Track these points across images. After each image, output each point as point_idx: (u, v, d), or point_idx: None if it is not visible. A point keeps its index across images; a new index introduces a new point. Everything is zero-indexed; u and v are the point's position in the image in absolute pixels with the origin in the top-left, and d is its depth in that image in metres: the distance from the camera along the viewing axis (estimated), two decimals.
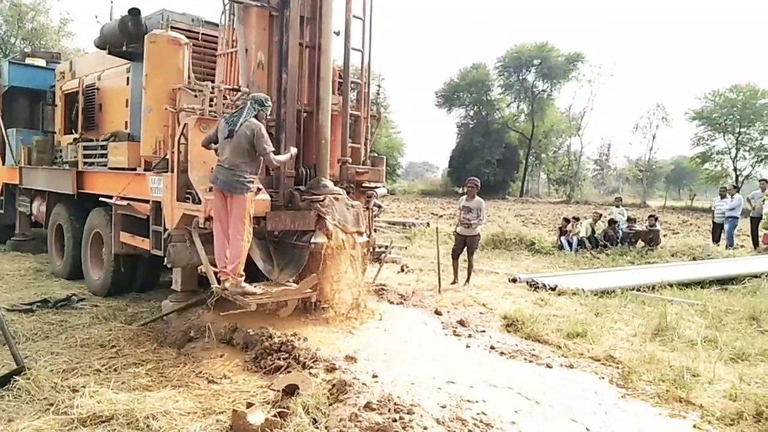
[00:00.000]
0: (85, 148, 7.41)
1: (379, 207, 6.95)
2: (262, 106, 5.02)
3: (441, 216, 22.44)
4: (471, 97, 56.39)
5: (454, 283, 8.26)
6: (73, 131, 8.15)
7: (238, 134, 4.83)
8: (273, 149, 4.99)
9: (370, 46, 6.57)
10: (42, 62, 10.66)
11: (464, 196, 8.49)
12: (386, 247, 8.94)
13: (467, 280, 8.19)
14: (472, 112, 57.55)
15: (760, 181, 15.79)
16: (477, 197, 8.26)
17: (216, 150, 5.09)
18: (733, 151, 42.66)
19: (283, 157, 5.23)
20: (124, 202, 6.26)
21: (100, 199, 6.73)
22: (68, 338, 5.12)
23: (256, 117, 4.96)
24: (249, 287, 5.02)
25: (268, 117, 5.68)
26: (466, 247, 8.32)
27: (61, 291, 7.11)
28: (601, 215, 13.96)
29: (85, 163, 7.37)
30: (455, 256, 8.41)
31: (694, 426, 3.78)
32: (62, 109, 8.68)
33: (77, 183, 7.41)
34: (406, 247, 12.30)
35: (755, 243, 13.45)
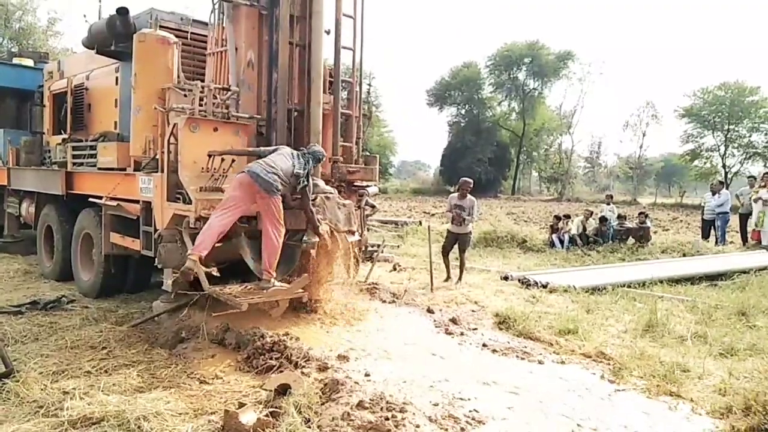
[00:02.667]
0: (74, 148, 7.33)
1: (373, 207, 6.95)
2: (318, 162, 5.45)
3: (433, 214, 22.47)
4: (462, 96, 56.46)
5: (447, 280, 8.29)
6: (62, 131, 8.08)
7: (296, 170, 5.09)
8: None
9: (362, 45, 6.58)
10: (30, 62, 10.59)
11: (455, 194, 8.50)
12: (378, 245, 8.96)
13: (459, 278, 8.23)
14: (463, 111, 57.62)
15: (748, 177, 15.97)
16: (469, 196, 8.30)
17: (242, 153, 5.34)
18: (722, 148, 43.05)
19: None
20: (114, 203, 6.21)
21: (90, 199, 6.67)
22: (58, 340, 5.08)
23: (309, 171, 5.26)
24: (278, 284, 5.15)
25: (259, 116, 5.68)
26: (457, 245, 8.33)
27: (51, 292, 7.05)
28: (592, 213, 14.03)
29: (74, 164, 7.30)
30: (446, 253, 8.47)
31: (686, 419, 3.81)
32: (51, 109, 8.61)
33: (66, 183, 7.35)
34: (398, 246, 12.31)
35: (744, 239, 13.58)
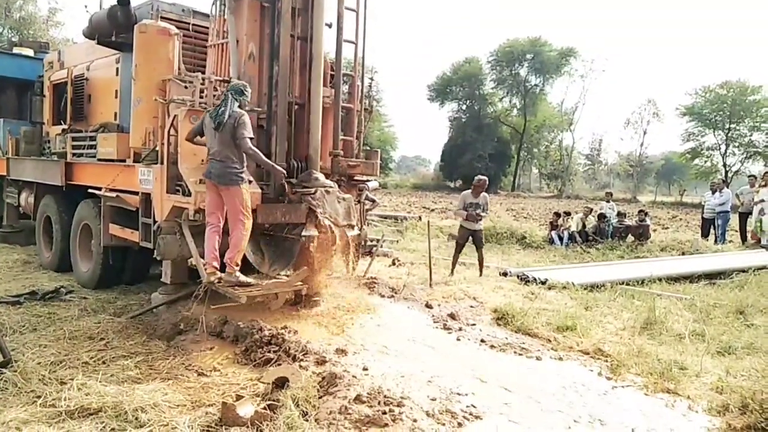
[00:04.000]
0: (73, 139, 7.32)
1: (373, 201, 6.95)
2: (241, 95, 4.99)
3: (433, 210, 22.47)
4: (463, 92, 56.34)
5: (451, 275, 8.40)
6: (62, 122, 8.06)
7: (225, 126, 4.80)
8: (252, 136, 4.96)
9: (364, 38, 6.54)
10: (30, 52, 10.56)
11: (468, 192, 8.57)
12: (378, 240, 8.95)
13: (480, 273, 8.42)
14: (464, 107, 57.54)
15: (749, 176, 15.94)
16: (483, 192, 8.46)
17: (203, 143, 5.07)
18: (723, 147, 43.02)
19: (257, 151, 5.04)
20: (114, 194, 6.21)
21: (89, 190, 6.66)
22: (56, 330, 5.08)
23: (239, 106, 4.94)
24: (243, 277, 5.03)
25: (259, 109, 5.66)
26: (473, 241, 8.49)
27: (50, 283, 7.05)
28: (591, 210, 14.01)
29: (73, 154, 7.29)
30: (459, 249, 8.61)
31: (683, 416, 3.82)
32: (50, 99, 8.59)
33: (66, 174, 7.33)
34: (397, 241, 12.31)
35: (743, 238, 13.58)
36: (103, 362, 4.37)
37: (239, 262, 5.02)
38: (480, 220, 8.41)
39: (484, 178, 8.62)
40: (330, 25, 6.20)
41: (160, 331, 5.13)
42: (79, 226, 7.22)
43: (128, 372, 4.14)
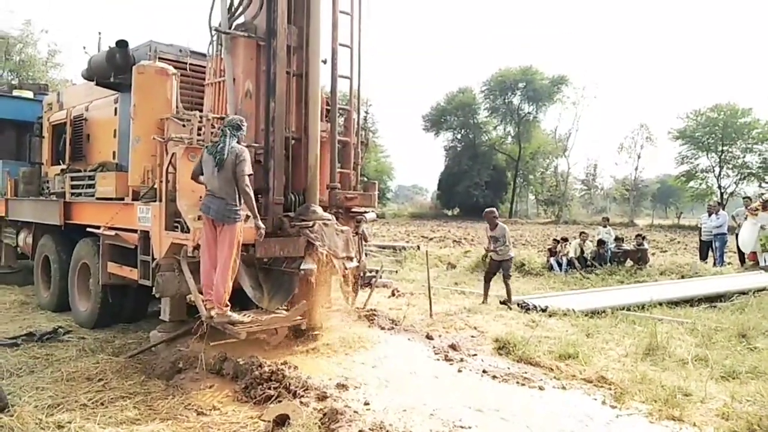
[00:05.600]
0: (72, 178, 7.37)
1: (365, 240, 6.86)
2: (238, 130, 5.03)
3: (431, 239, 22.47)
4: (458, 121, 57.06)
5: (483, 302, 8.53)
6: (61, 162, 8.13)
7: (225, 163, 4.85)
8: (251, 173, 5.00)
9: (359, 73, 6.67)
10: (29, 94, 10.70)
11: (487, 226, 8.83)
12: (377, 271, 8.93)
13: (509, 299, 8.46)
14: (459, 135, 58.19)
15: (744, 198, 16.04)
16: (499, 224, 8.66)
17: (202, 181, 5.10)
18: (717, 169, 43.35)
19: (251, 191, 4.99)
20: (112, 232, 6.22)
21: (88, 229, 6.68)
22: (54, 372, 5.03)
23: (237, 142, 4.99)
24: (235, 316, 5.00)
25: (257, 144, 5.73)
26: (501, 270, 8.66)
27: (48, 323, 7.01)
28: (587, 236, 13.92)
29: (72, 194, 7.33)
30: (488, 279, 8.79)
31: None
32: (49, 140, 8.67)
33: (64, 213, 7.36)
34: (396, 271, 12.28)
35: (741, 260, 13.58)
36: (102, 404, 4.31)
37: (228, 303, 4.97)
38: (502, 251, 8.56)
39: (489, 209, 8.91)
40: (325, 62, 6.33)
41: (159, 370, 5.07)
42: (77, 265, 7.21)
43: (127, 413, 4.08)
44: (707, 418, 4.14)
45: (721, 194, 41.09)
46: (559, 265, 12.69)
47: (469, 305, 8.38)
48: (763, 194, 24.09)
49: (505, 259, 8.65)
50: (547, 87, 53.76)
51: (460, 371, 5.20)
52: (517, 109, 55.54)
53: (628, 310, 7.78)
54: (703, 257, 14.19)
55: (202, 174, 5.05)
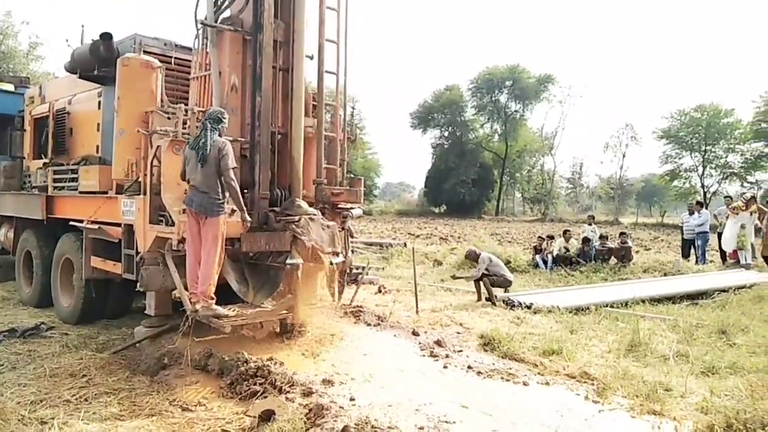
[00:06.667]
0: (55, 172, 7.28)
1: (351, 236, 6.90)
2: (219, 123, 4.99)
3: (418, 236, 22.52)
4: (445, 118, 57.21)
5: (479, 300, 8.60)
6: (43, 156, 8.01)
7: (209, 158, 4.82)
8: (235, 166, 4.98)
9: (346, 69, 6.66)
10: (10, 87, 10.50)
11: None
12: (363, 268, 8.93)
13: (491, 296, 8.54)
14: (446, 133, 58.33)
15: (725, 197, 16.28)
16: (480, 256, 8.90)
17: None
18: (700, 169, 43.99)
19: (237, 185, 4.99)
20: (96, 226, 6.16)
21: (71, 223, 6.60)
22: (37, 368, 4.98)
23: (219, 135, 4.96)
24: (221, 309, 4.98)
25: (243, 139, 5.70)
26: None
27: (30, 319, 6.92)
28: (570, 234, 14.01)
29: (55, 188, 7.23)
30: (479, 281, 8.88)
31: None
32: (31, 133, 8.53)
33: (47, 208, 7.27)
34: (383, 268, 12.30)
35: (723, 258, 13.79)
36: (86, 400, 4.27)
37: (213, 296, 4.95)
38: (493, 276, 8.70)
39: (469, 251, 9.56)
40: (311, 57, 6.31)
41: (144, 366, 5.04)
42: (60, 260, 7.13)
43: (111, 409, 4.06)
44: (687, 412, 4.21)
45: (704, 193, 41.70)
46: (545, 262, 12.78)
47: (456, 302, 8.42)
48: (744, 193, 24.44)
49: (498, 278, 8.80)
50: (534, 85, 54.14)
51: (445, 367, 5.23)
52: (504, 107, 55.85)
53: (612, 307, 7.87)
54: (686, 255, 14.39)
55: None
